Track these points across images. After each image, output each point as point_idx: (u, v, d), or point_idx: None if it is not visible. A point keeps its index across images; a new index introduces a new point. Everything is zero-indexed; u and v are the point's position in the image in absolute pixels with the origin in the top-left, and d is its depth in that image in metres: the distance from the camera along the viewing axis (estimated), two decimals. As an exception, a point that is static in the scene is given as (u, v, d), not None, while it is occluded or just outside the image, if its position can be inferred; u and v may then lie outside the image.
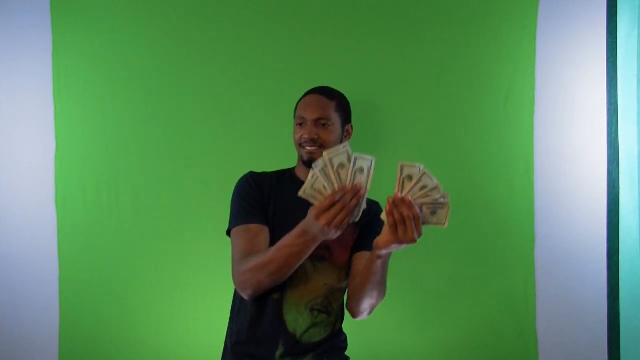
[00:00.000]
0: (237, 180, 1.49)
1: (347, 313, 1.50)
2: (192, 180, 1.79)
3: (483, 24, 1.77)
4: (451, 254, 1.77)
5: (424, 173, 1.19)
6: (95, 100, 1.81)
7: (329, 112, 1.47)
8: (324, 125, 1.46)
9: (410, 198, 1.19)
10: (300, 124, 1.47)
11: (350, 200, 1.20)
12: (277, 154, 1.72)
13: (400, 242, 1.20)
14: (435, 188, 1.20)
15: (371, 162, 1.22)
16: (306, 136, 1.44)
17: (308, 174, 1.43)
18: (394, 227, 1.19)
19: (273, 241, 1.39)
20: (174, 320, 1.79)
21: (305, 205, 1.29)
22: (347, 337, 1.53)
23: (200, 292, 1.78)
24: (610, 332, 1.73)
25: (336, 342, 1.49)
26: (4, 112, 1.83)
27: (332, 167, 1.21)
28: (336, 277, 1.45)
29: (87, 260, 1.80)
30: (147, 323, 1.79)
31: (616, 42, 1.73)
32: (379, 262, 1.30)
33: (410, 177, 1.20)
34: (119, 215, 1.79)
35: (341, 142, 1.50)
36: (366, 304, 1.39)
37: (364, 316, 1.43)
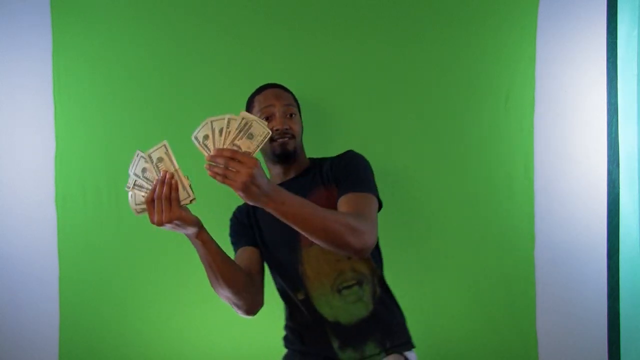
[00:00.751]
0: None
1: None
2: (192, 180, 1.78)
3: (483, 24, 1.77)
4: (451, 253, 1.77)
5: (212, 121, 1.15)
6: (95, 100, 1.81)
7: (292, 102, 1.49)
8: (292, 115, 1.46)
9: (215, 150, 1.13)
10: (267, 118, 1.44)
11: (163, 190, 1.17)
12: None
13: (239, 188, 1.11)
14: (230, 120, 1.15)
15: (164, 146, 1.21)
16: (279, 127, 1.42)
17: (282, 170, 1.47)
18: (226, 179, 1.12)
19: (268, 248, 1.43)
20: (174, 320, 1.79)
21: None
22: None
23: (200, 292, 1.77)
24: (610, 332, 1.73)
25: (392, 317, 1.44)
26: (4, 112, 1.83)
27: (140, 177, 1.21)
28: None
29: (87, 260, 1.80)
30: (147, 323, 1.79)
31: (616, 42, 1.73)
32: (274, 212, 1.19)
33: (206, 137, 1.16)
34: (119, 215, 1.79)
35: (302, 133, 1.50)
36: (339, 250, 1.26)
37: (357, 254, 1.28)
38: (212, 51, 1.80)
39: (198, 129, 1.17)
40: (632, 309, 1.71)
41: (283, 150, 1.43)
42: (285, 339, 1.52)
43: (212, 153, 1.13)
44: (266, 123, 1.16)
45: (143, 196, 1.21)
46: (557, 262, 1.75)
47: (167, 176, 1.17)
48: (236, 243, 1.49)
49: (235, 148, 1.13)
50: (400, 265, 1.68)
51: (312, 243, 1.34)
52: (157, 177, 1.19)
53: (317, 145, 1.76)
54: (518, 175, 1.76)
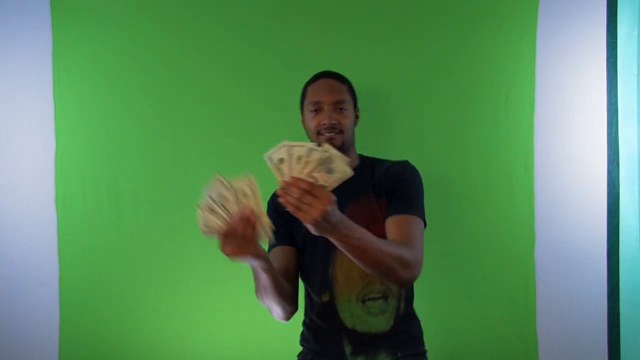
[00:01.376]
0: None
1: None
2: (192, 181, 1.79)
3: (483, 23, 1.77)
4: (451, 253, 1.77)
5: (290, 146, 1.11)
6: (95, 100, 1.81)
7: (344, 95, 1.44)
8: (341, 110, 1.42)
9: (291, 178, 1.10)
10: (316, 110, 1.41)
11: (242, 230, 1.13)
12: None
13: (310, 224, 1.10)
14: (311, 150, 1.10)
15: (249, 180, 1.16)
16: (326, 122, 1.39)
17: None
18: (297, 211, 1.09)
19: (304, 244, 1.41)
20: (174, 320, 1.79)
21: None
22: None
23: (200, 292, 1.78)
24: (610, 332, 1.73)
25: (409, 331, 1.42)
26: (4, 112, 1.83)
27: (216, 203, 1.17)
28: None
29: (87, 260, 1.80)
30: (147, 323, 1.79)
31: (616, 42, 1.73)
32: (338, 245, 1.19)
33: (281, 160, 1.13)
34: (119, 215, 1.79)
35: (355, 125, 1.47)
36: (387, 280, 1.31)
37: (403, 286, 1.34)
38: (213, 50, 1.80)
39: (273, 150, 1.12)
40: (632, 309, 1.71)
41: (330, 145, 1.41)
42: (302, 335, 1.51)
43: (287, 180, 1.09)
44: (349, 161, 1.11)
45: (216, 222, 1.16)
46: (557, 262, 1.75)
47: (249, 215, 1.13)
48: (280, 238, 1.42)
49: (312, 180, 1.10)
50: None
51: None
52: (236, 211, 1.15)
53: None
54: (518, 175, 1.76)
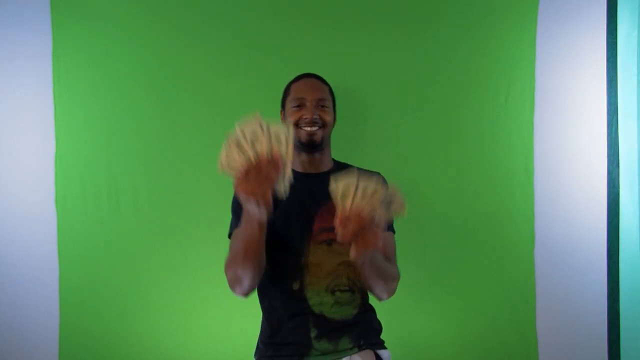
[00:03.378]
0: None
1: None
2: (192, 180, 1.79)
3: (483, 23, 1.77)
4: (451, 254, 1.77)
5: (359, 180, 1.16)
6: (95, 100, 1.81)
7: (327, 94, 1.50)
8: (323, 107, 1.47)
9: (354, 211, 1.17)
10: (299, 106, 1.46)
11: (268, 170, 1.15)
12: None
13: (362, 250, 1.19)
14: (376, 190, 1.17)
15: (288, 131, 1.18)
16: (307, 116, 1.44)
17: (302, 160, 1.47)
18: (352, 239, 1.18)
19: (277, 232, 1.40)
20: (174, 320, 1.79)
21: (302, 195, 1.36)
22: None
23: (200, 292, 1.78)
24: (610, 332, 1.73)
25: (370, 323, 1.48)
26: (4, 112, 1.83)
27: (246, 139, 1.16)
28: (348, 254, 1.37)
29: (87, 260, 1.80)
30: (147, 323, 1.79)
31: (616, 42, 1.73)
32: (363, 268, 1.31)
33: (345, 193, 1.17)
34: (119, 215, 1.79)
35: (332, 127, 1.52)
36: (377, 291, 1.39)
37: (384, 298, 1.41)
38: (214, 50, 1.80)
39: (341, 179, 1.18)
40: (632, 309, 1.71)
41: (310, 139, 1.44)
42: (263, 331, 1.49)
43: (349, 213, 1.17)
44: (404, 203, 1.23)
45: (239, 159, 1.15)
46: (557, 262, 1.75)
47: (278, 158, 1.15)
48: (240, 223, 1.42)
49: (372, 214, 1.17)
50: (400, 265, 1.67)
51: (321, 240, 1.40)
52: (264, 152, 1.15)
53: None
54: (518, 175, 1.76)
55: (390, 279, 1.39)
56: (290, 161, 1.18)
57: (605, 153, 1.74)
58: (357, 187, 1.16)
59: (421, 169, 1.78)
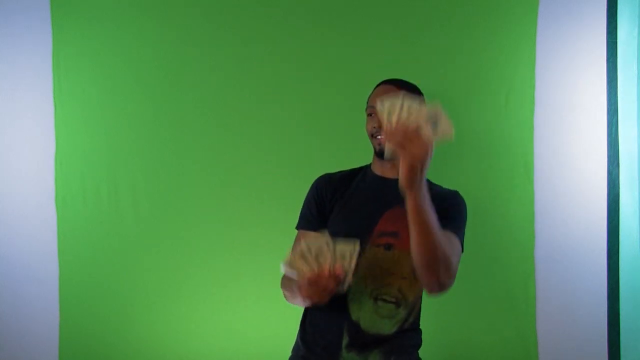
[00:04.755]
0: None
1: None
2: (192, 180, 1.79)
3: (483, 24, 1.77)
4: (451, 254, 1.77)
5: (404, 98, 1.18)
6: (95, 100, 1.81)
7: None
8: None
9: (400, 124, 1.17)
10: (370, 114, 1.47)
11: (329, 284, 1.21)
12: (279, 153, 1.72)
13: (410, 161, 1.15)
14: (421, 107, 1.18)
15: (354, 248, 1.24)
16: (377, 126, 1.44)
17: (383, 166, 1.47)
18: (399, 148, 1.16)
19: (340, 222, 1.42)
20: (174, 320, 1.79)
21: (372, 196, 1.39)
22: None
23: (201, 292, 1.78)
24: (610, 332, 1.73)
25: (407, 340, 1.44)
26: (4, 111, 1.83)
27: (311, 253, 1.24)
28: (404, 263, 1.38)
29: (87, 260, 1.80)
30: (147, 323, 1.79)
31: (616, 42, 1.73)
32: (412, 204, 1.22)
33: (392, 108, 1.18)
34: (119, 215, 1.79)
35: None
36: (425, 277, 1.30)
37: (434, 288, 1.32)
38: (214, 50, 1.80)
39: (388, 96, 1.20)
40: (632, 309, 1.71)
41: (381, 149, 1.42)
42: (302, 329, 1.50)
43: (394, 125, 1.17)
44: (451, 124, 1.21)
45: (302, 267, 1.24)
46: (557, 262, 1.75)
47: (339, 273, 1.23)
48: (308, 222, 1.47)
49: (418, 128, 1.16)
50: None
51: (379, 243, 1.39)
52: (328, 267, 1.23)
53: (314, 144, 1.76)
54: (518, 175, 1.76)
55: (444, 261, 1.27)
56: (352, 274, 1.24)
57: (605, 153, 1.73)
58: (402, 105, 1.18)
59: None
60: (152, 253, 1.79)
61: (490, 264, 1.77)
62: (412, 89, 1.48)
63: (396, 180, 1.38)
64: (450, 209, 1.43)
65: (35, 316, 1.81)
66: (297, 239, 1.47)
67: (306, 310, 1.48)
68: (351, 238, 1.36)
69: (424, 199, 1.22)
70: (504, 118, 1.76)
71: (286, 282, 1.40)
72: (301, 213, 1.51)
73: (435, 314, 1.76)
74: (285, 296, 1.43)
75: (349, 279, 1.24)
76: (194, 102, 1.80)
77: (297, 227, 1.50)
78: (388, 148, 1.18)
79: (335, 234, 1.37)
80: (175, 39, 1.80)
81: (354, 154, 1.67)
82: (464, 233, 1.46)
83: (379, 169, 1.50)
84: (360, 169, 1.54)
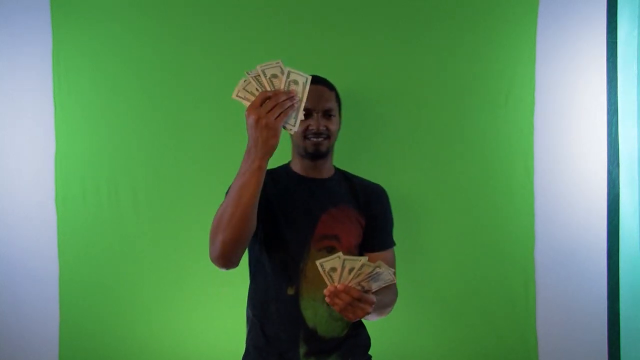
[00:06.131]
0: None
1: None
2: (192, 180, 1.79)
3: (483, 23, 1.77)
4: (451, 254, 1.77)
5: (344, 259, 1.21)
6: (95, 100, 1.81)
7: (333, 102, 1.48)
8: (330, 116, 1.46)
9: (342, 286, 1.20)
10: (306, 115, 1.43)
11: (284, 100, 1.19)
12: (278, 153, 1.72)
13: (351, 319, 1.22)
14: (363, 265, 1.20)
15: (306, 79, 1.23)
16: (314, 127, 1.43)
17: (307, 165, 1.47)
18: (341, 312, 1.21)
19: (279, 229, 1.41)
20: (174, 320, 1.79)
21: (305, 198, 1.37)
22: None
23: (201, 292, 1.78)
24: (610, 332, 1.73)
25: (359, 340, 1.48)
26: (4, 111, 1.83)
27: (265, 76, 1.22)
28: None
29: (87, 260, 1.80)
30: (147, 323, 1.79)
31: (616, 42, 1.73)
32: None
33: (333, 269, 1.21)
34: (119, 215, 1.79)
35: (338, 131, 1.51)
36: (376, 318, 1.41)
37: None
38: (214, 50, 1.80)
39: (327, 258, 1.21)
40: (632, 309, 1.71)
41: (316, 150, 1.44)
42: (250, 336, 1.48)
43: (339, 287, 1.20)
44: (393, 272, 1.25)
45: (257, 90, 1.22)
46: (557, 262, 1.75)
47: (294, 95, 1.21)
48: None
49: (359, 287, 1.22)
50: (400, 265, 1.67)
51: (321, 248, 1.40)
52: (282, 87, 1.22)
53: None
54: (518, 175, 1.76)
55: (389, 308, 1.43)
56: (303, 103, 1.23)
57: (605, 153, 1.74)
58: (343, 266, 1.21)
59: (421, 169, 1.77)
60: (152, 253, 1.79)
61: (490, 264, 1.77)
62: (332, 87, 1.51)
63: (321, 180, 1.47)
64: (380, 216, 1.50)
65: (35, 316, 1.81)
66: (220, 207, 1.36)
67: (256, 319, 1.45)
68: (294, 244, 1.40)
69: (376, 307, 1.26)
70: (504, 118, 1.76)
71: (215, 218, 1.30)
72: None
73: (435, 313, 1.77)
74: (217, 243, 1.27)
75: (302, 110, 1.23)
76: (194, 102, 1.80)
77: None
78: (331, 305, 1.22)
79: (279, 240, 1.40)
80: (175, 39, 1.80)
81: (360, 152, 1.67)
82: (392, 229, 1.55)
83: (302, 169, 1.49)
84: (277, 170, 1.51)
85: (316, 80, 1.48)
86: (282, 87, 1.22)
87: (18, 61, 1.82)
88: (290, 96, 1.20)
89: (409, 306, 1.76)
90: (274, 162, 1.52)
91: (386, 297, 1.37)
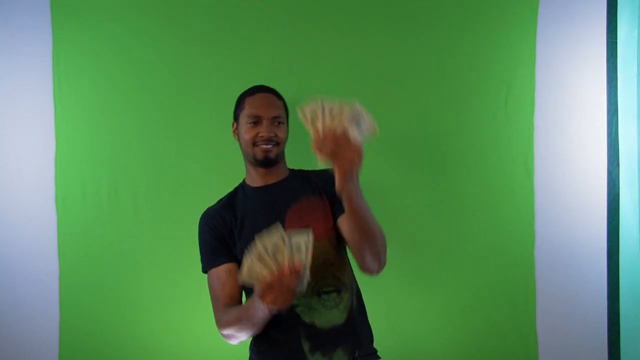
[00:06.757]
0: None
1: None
2: (192, 180, 1.79)
3: (483, 24, 1.77)
4: (451, 254, 1.77)
5: (324, 102, 1.18)
6: (95, 100, 1.81)
7: (281, 110, 1.51)
8: (278, 123, 1.48)
9: (327, 131, 1.18)
10: (254, 122, 1.46)
11: (291, 281, 1.20)
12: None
13: (345, 168, 1.19)
14: (342, 108, 1.18)
15: (307, 236, 1.21)
16: (264, 134, 1.45)
17: (261, 173, 1.49)
18: (331, 158, 1.18)
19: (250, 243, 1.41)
20: (174, 320, 1.79)
21: (267, 205, 1.41)
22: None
23: (200, 292, 1.77)
24: (610, 332, 1.73)
25: (362, 331, 1.47)
26: (4, 111, 1.83)
27: (268, 253, 1.21)
28: (327, 250, 1.43)
29: (87, 260, 1.80)
30: (147, 323, 1.79)
31: (616, 42, 1.73)
32: (349, 203, 1.28)
33: (315, 115, 1.19)
34: (119, 215, 1.79)
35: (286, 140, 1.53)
36: (368, 252, 1.35)
37: (375, 267, 1.38)
38: (214, 50, 1.80)
39: (307, 105, 1.18)
40: (632, 309, 1.71)
41: (265, 157, 1.46)
42: (254, 343, 1.51)
43: (324, 132, 1.18)
44: (373, 119, 1.24)
45: (262, 272, 1.21)
46: (557, 262, 1.75)
47: (299, 268, 1.20)
48: (217, 257, 1.46)
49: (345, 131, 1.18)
50: (401, 265, 1.68)
51: None
52: (285, 263, 1.20)
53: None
54: (518, 175, 1.76)
55: (379, 240, 1.35)
56: (309, 265, 1.22)
57: (605, 153, 1.74)
58: (323, 109, 1.18)
59: (421, 169, 1.77)
60: (152, 253, 1.79)
61: (490, 264, 1.77)
62: (280, 97, 1.53)
63: (277, 183, 1.49)
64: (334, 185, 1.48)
65: (35, 316, 1.81)
66: (212, 280, 1.46)
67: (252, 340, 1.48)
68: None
69: (359, 193, 1.27)
70: (504, 118, 1.76)
71: (228, 318, 1.39)
72: (203, 255, 1.49)
73: (435, 313, 1.77)
74: (230, 336, 1.41)
75: (307, 274, 1.22)
76: (194, 102, 1.80)
77: (206, 269, 1.48)
78: (320, 157, 1.19)
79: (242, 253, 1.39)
80: (175, 39, 1.80)
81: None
82: None
83: (256, 179, 1.51)
84: (235, 190, 1.54)
85: (265, 89, 1.53)
86: (285, 259, 1.20)
87: (18, 61, 1.82)
88: (296, 273, 1.20)
89: (409, 306, 1.76)
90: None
91: (372, 216, 1.34)
